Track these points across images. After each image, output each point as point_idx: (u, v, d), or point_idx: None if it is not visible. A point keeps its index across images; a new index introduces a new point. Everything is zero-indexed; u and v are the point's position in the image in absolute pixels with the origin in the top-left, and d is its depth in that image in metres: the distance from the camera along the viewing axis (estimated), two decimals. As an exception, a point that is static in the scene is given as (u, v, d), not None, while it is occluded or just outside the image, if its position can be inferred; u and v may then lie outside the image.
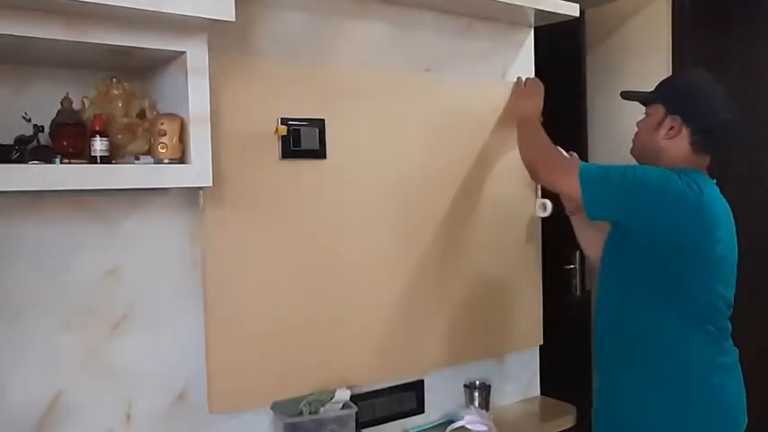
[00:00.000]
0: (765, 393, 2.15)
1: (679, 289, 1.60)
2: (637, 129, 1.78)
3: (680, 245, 1.57)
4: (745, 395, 1.69)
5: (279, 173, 1.70)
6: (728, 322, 1.67)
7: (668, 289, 1.60)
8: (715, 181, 1.66)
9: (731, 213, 1.66)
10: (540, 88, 2.08)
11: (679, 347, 1.61)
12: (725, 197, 1.66)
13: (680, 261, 1.58)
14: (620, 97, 1.86)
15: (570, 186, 1.65)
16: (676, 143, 1.66)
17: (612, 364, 1.73)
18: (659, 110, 1.69)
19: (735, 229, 1.67)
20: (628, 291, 1.66)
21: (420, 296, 1.97)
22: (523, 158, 1.91)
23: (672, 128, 1.66)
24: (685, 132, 1.65)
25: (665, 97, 1.70)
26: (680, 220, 1.56)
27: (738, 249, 1.68)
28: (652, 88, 1.77)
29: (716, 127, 1.64)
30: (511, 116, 2.08)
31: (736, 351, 1.69)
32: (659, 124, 1.68)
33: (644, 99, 1.76)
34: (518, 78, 2.15)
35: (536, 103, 2.04)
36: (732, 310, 1.67)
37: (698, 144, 1.64)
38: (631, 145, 1.79)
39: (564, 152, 1.93)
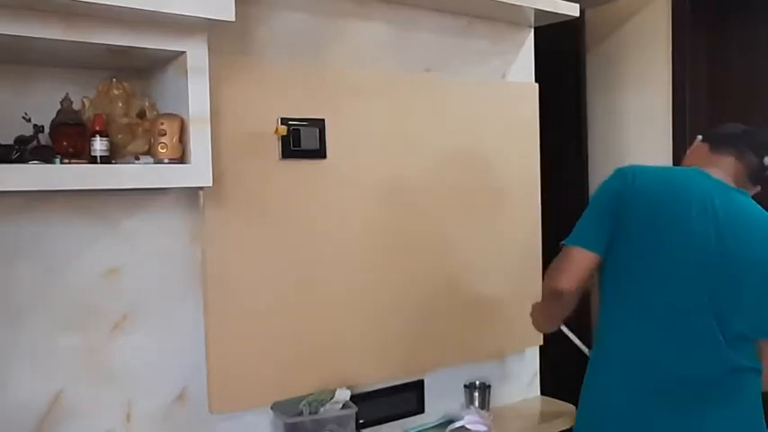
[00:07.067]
0: None
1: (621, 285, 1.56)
2: None
3: (621, 236, 1.52)
4: None
5: (279, 173, 1.70)
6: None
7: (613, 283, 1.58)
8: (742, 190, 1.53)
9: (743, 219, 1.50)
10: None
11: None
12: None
13: (624, 256, 1.53)
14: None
15: (572, 264, 1.57)
16: (695, 150, 1.64)
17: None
18: None
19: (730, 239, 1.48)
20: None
21: (420, 296, 1.96)
22: (540, 329, 1.82)
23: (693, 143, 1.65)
24: (702, 143, 1.63)
25: None
26: (616, 211, 1.52)
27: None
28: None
29: (728, 134, 1.60)
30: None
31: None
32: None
33: None
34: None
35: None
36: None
37: (713, 142, 1.60)
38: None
39: None
